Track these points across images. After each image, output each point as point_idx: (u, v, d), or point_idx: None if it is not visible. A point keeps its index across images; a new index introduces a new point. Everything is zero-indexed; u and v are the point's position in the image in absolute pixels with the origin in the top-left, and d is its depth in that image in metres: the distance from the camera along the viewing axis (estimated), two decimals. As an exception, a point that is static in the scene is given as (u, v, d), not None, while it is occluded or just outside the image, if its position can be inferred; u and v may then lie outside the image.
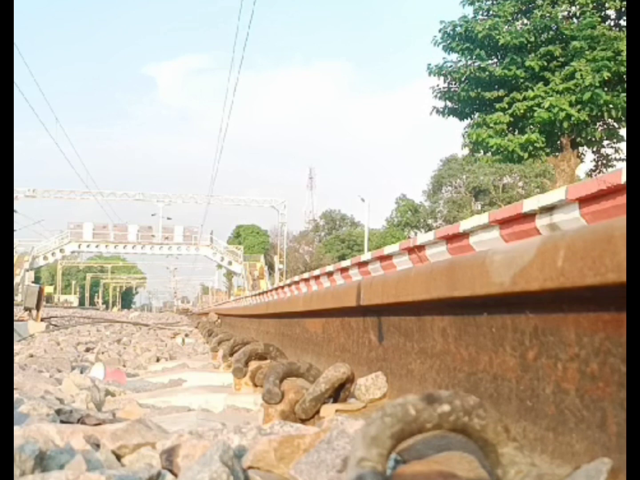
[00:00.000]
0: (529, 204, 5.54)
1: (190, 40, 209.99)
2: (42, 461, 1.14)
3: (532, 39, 19.83)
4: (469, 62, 20.84)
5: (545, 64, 19.81)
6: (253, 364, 2.96)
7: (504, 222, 6.07)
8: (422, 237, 8.37)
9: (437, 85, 21.33)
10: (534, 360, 1.21)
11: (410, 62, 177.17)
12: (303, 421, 1.87)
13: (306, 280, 15.53)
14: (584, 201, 4.85)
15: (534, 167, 51.39)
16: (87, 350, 5.94)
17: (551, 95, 19.00)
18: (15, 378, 2.83)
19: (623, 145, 21.00)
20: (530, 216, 5.57)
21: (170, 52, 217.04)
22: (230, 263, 58.71)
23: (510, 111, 19.81)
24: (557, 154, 20.56)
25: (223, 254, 58.91)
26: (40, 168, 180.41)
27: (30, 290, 10.72)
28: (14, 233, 45.09)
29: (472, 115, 21.54)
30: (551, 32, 19.88)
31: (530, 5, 20.89)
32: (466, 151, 22.35)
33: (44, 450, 1.17)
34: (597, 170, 21.49)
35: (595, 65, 18.49)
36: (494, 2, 21.29)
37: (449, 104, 21.53)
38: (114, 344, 6.88)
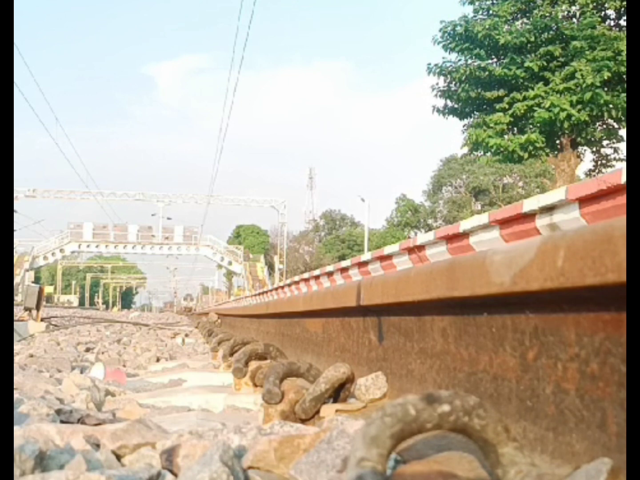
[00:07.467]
0: (529, 204, 5.54)
1: (190, 40, 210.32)
2: (42, 461, 1.14)
3: (532, 39, 19.82)
4: (469, 61, 20.84)
5: (545, 64, 19.81)
6: (253, 364, 2.95)
7: (504, 222, 6.07)
8: (422, 237, 8.37)
9: (437, 84, 21.34)
10: (534, 360, 1.21)
11: (410, 62, 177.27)
12: (303, 421, 1.87)
13: (306, 280, 15.54)
14: (584, 201, 4.85)
15: (534, 167, 51.39)
16: (87, 350, 5.94)
17: (551, 95, 19.00)
18: (15, 378, 2.83)
19: (622, 145, 21.01)
20: (530, 216, 5.57)
21: (170, 52, 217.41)
22: (230, 263, 58.72)
23: (510, 111, 19.80)
24: (557, 154, 20.56)
25: (223, 254, 58.94)
26: (40, 168, 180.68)
27: (30, 290, 10.72)
28: (14, 233, 45.07)
29: (472, 115, 21.53)
30: (551, 32, 19.87)
31: (530, 5, 20.89)
32: (466, 150, 22.32)
33: (44, 450, 1.16)
34: (597, 170, 21.50)
35: (595, 65, 18.49)
36: (494, 1, 21.29)
37: (449, 102, 21.52)
38: (114, 344, 6.88)
